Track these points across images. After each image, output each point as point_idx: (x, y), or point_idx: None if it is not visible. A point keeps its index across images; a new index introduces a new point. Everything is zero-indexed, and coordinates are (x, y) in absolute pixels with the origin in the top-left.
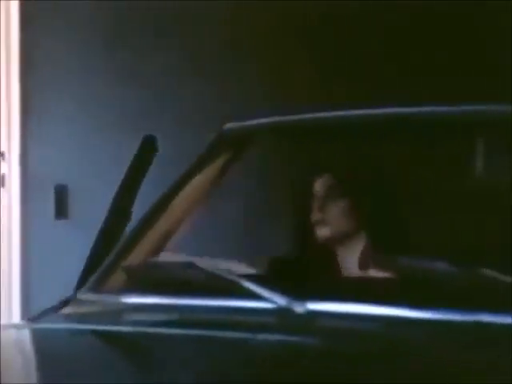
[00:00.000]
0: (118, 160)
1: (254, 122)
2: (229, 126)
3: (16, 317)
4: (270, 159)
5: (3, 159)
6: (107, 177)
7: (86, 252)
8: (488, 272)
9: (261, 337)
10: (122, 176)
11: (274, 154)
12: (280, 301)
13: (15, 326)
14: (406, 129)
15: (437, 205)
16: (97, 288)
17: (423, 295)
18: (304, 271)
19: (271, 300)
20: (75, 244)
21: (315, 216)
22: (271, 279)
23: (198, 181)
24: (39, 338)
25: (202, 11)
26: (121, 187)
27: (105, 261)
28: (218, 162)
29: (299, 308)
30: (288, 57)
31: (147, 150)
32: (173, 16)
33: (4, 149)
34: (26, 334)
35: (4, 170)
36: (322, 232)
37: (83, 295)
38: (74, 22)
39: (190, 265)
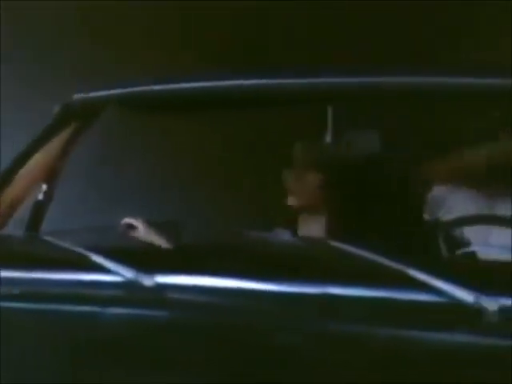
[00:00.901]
0: None
1: (102, 93)
2: (76, 97)
3: None
4: (119, 130)
5: None
6: None
7: None
8: (336, 244)
9: (109, 310)
10: None
11: (122, 124)
12: (128, 274)
13: None
14: (255, 101)
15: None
16: None
17: (272, 267)
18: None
19: (119, 273)
20: None
21: (292, 184)
22: (121, 252)
23: (45, 152)
24: None
25: None
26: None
27: None
28: (65, 133)
29: (147, 281)
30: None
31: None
32: None
33: None
34: None
35: None
36: (292, 201)
37: None
38: None
39: (38, 238)
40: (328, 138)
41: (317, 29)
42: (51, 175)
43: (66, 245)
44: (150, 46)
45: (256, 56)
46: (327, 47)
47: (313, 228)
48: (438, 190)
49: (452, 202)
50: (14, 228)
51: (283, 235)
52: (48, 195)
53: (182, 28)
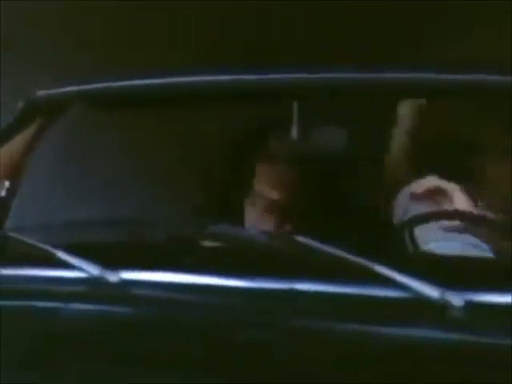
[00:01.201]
0: None
1: (67, 89)
2: (41, 93)
3: None
4: (84, 126)
5: None
6: None
7: None
8: (302, 239)
9: (73, 306)
10: None
11: (88, 120)
12: (92, 270)
13: None
14: (220, 97)
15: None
16: None
17: (238, 263)
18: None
19: (83, 269)
20: None
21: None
22: (86, 248)
23: (8, 148)
24: None
25: None
26: None
27: None
28: (30, 130)
29: (112, 277)
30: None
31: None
32: None
33: None
34: None
35: None
36: (271, 194)
37: None
38: None
39: (2, 234)
40: (294, 134)
41: (317, 29)
42: (15, 172)
43: (31, 241)
44: (149, 47)
45: (256, 56)
46: (327, 47)
47: (267, 223)
48: (401, 198)
49: (412, 209)
50: None
51: (249, 230)
52: (11, 192)
53: (182, 28)
